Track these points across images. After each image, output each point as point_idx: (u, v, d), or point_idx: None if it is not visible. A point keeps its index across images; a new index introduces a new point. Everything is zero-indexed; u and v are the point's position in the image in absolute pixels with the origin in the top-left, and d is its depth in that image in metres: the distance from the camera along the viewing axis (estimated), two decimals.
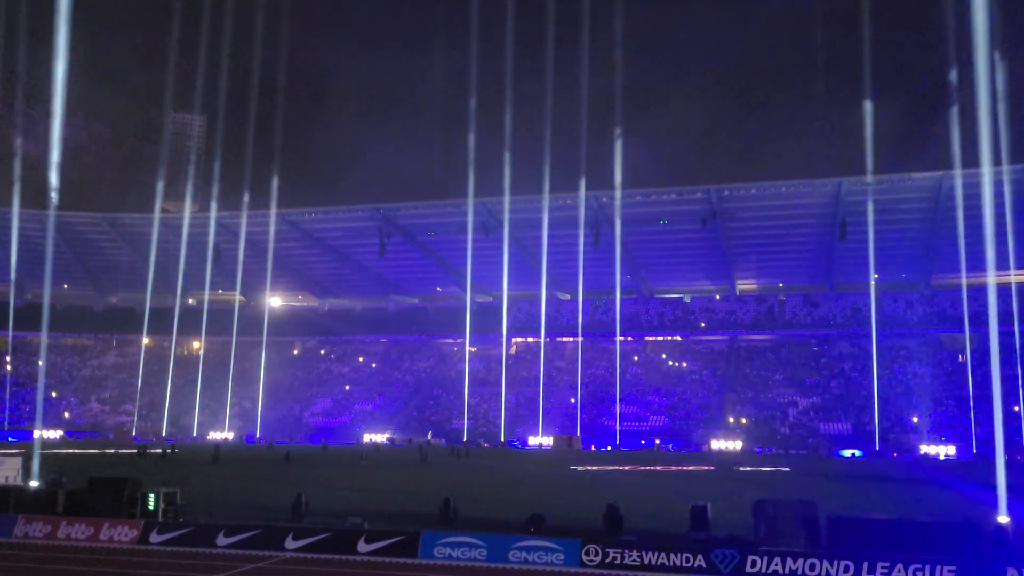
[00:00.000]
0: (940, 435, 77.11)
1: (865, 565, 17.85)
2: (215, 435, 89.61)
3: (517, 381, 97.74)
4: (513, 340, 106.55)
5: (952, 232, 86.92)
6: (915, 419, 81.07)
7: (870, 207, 78.54)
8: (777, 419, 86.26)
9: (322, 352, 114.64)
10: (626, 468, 54.15)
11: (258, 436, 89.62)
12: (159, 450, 59.60)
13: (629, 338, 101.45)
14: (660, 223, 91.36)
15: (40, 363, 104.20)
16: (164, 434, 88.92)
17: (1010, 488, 23.30)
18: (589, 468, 53.60)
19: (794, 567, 18.35)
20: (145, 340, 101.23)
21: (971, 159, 60.43)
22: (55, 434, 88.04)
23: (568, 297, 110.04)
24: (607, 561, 19.58)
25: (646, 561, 19.36)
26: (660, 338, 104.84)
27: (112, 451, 65.88)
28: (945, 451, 73.44)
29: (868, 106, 71.21)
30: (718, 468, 55.11)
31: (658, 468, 54.95)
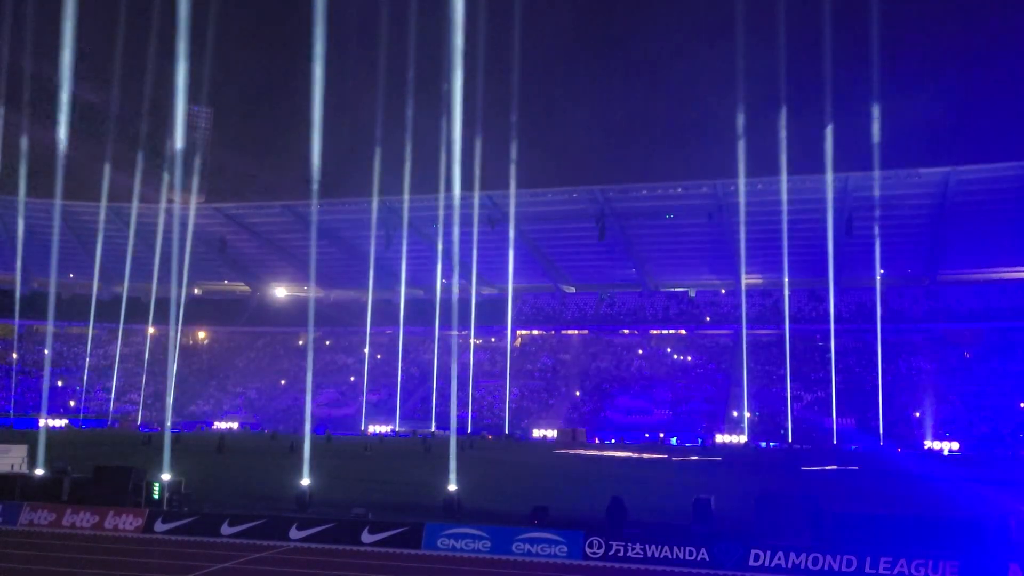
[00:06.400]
0: (944, 430, 76.96)
1: (868, 560, 17.82)
2: (220, 424, 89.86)
3: (522, 373, 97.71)
4: (518, 332, 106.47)
5: (958, 228, 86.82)
6: (918, 414, 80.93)
7: (876, 202, 78.27)
8: (781, 413, 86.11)
9: (327, 343, 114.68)
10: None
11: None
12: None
13: (634, 331, 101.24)
14: (666, 217, 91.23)
15: (46, 351, 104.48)
16: (169, 423, 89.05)
17: (1012, 484, 23.31)
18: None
19: (797, 561, 18.33)
20: (150, 329, 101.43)
21: (976, 155, 60.24)
22: (60, 422, 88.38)
23: (573, 290, 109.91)
24: (610, 553, 19.56)
25: (649, 554, 19.34)
26: (665, 331, 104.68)
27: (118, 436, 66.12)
28: (949, 447, 73.30)
29: (876, 102, 70.87)
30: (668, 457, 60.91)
31: (582, 452, 60.97)
